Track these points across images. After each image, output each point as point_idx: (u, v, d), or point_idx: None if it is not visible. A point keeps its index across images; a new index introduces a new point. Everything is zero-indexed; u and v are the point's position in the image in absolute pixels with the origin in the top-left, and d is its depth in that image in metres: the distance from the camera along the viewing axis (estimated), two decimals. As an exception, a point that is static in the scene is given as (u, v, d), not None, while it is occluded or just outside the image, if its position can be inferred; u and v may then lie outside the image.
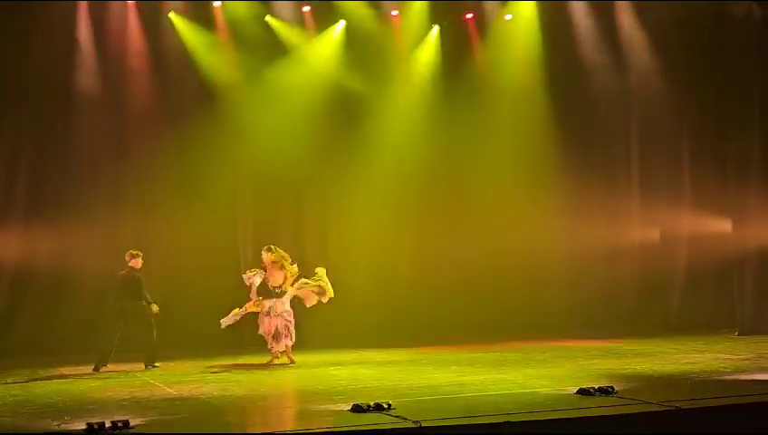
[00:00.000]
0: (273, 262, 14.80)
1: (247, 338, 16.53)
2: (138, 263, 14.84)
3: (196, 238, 17.44)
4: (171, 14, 17.97)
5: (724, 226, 18.70)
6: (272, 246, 14.98)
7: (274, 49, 18.69)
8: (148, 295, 14.76)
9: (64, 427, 9.62)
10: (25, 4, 16.73)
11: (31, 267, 17.18)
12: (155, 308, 14.63)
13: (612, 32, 19.60)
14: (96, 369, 14.33)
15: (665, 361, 13.97)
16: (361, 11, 18.81)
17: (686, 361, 13.87)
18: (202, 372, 13.99)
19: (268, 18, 18.55)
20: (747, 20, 18.08)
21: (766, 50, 18.04)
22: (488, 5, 19.42)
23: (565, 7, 19.42)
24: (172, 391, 12.13)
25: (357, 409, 9.89)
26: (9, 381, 13.49)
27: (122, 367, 14.63)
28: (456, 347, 16.65)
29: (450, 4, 19.22)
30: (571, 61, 19.60)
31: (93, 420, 9.30)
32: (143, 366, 14.57)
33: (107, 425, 9.16)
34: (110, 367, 14.60)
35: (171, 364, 14.67)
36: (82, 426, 9.25)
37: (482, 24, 19.64)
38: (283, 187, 18.62)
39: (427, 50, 19.51)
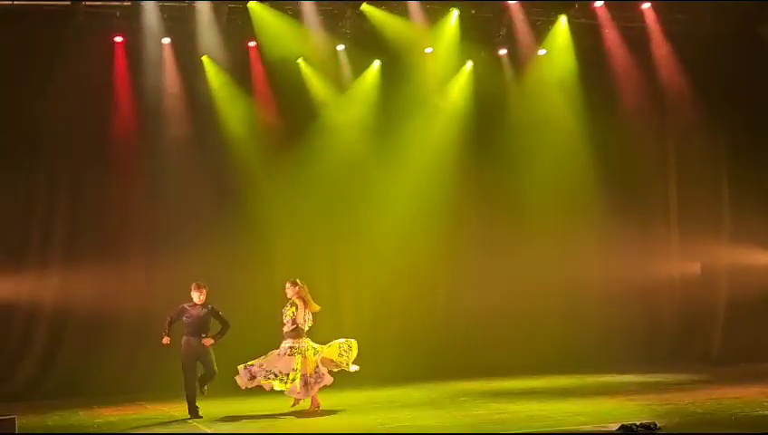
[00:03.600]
0: (301, 297, 13.80)
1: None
2: (196, 296, 13.62)
3: (231, 281, 17.39)
4: (204, 58, 18.08)
5: (765, 257, 18.47)
6: (297, 280, 13.96)
7: (308, 92, 18.74)
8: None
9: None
10: (61, 45, 16.90)
11: (69, 310, 17.33)
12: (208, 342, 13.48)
13: (647, 61, 19.50)
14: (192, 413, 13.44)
15: (708, 395, 13.76)
16: (395, 49, 18.79)
17: (729, 395, 13.65)
18: (242, 414, 13.84)
19: (300, 61, 18.64)
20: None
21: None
22: (522, 40, 19.39)
23: (599, 38, 19.35)
24: (209, 431, 12.09)
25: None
26: (49, 423, 13.53)
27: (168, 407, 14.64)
28: (493, 382, 16.54)
29: (484, 39, 19.19)
30: (606, 92, 19.54)
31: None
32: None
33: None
34: (149, 407, 14.63)
35: (213, 403, 14.39)
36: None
37: (515, 58, 19.62)
38: (318, 223, 18.66)
39: (461, 85, 19.53)
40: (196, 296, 13.63)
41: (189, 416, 13.35)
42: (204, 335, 13.52)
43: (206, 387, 13.66)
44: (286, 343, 13.61)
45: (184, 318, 13.59)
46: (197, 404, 13.50)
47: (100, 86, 17.47)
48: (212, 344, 13.56)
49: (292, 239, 18.58)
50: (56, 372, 17.19)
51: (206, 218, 18.03)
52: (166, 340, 13.59)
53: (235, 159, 18.16)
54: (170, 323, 13.66)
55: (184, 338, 13.55)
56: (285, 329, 13.70)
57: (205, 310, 13.61)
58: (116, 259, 17.45)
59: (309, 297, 13.83)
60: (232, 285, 17.00)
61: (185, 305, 13.67)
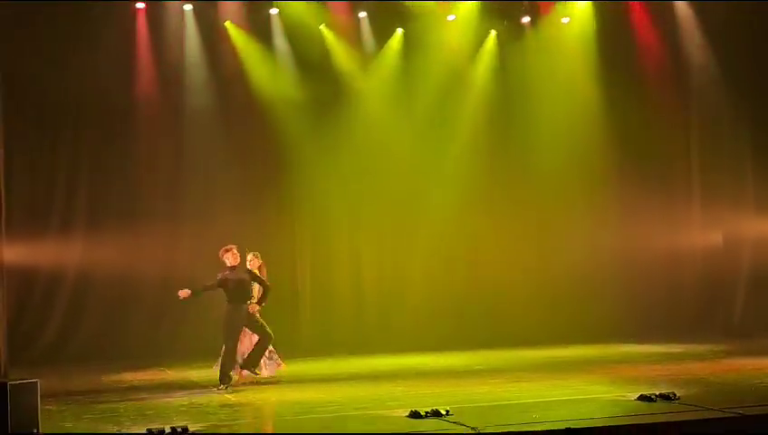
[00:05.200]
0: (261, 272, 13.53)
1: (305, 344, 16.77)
2: (229, 258, 13.04)
3: (252, 247, 17.33)
4: (227, 23, 18.04)
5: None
6: (258, 254, 13.60)
7: (330, 60, 18.66)
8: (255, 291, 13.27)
9: (125, 431, 9.72)
10: (84, 14, 16.91)
11: (92, 275, 17.44)
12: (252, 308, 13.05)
13: (672, 34, 19.35)
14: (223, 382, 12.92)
15: (728, 366, 13.73)
16: (418, 16, 18.67)
17: (750, 366, 13.62)
18: (259, 379, 13.91)
19: (323, 27, 18.55)
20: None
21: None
22: (545, 9, 19.21)
23: (623, 10, 19.16)
24: (231, 397, 12.18)
25: (414, 415, 9.86)
26: (72, 387, 13.65)
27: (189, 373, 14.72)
28: (513, 351, 16.59)
29: (506, 7, 19.05)
30: (629, 62, 19.39)
31: (153, 426, 9.39)
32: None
33: (166, 431, 9.23)
34: (170, 373, 14.71)
35: (231, 371, 14.41)
36: (142, 431, 9.34)
37: (538, 27, 19.47)
38: (340, 192, 18.63)
39: (484, 55, 19.41)
40: (230, 258, 13.02)
41: (219, 383, 12.84)
42: (249, 302, 13.09)
43: (258, 368, 13.16)
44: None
45: (226, 287, 12.99)
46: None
47: (122, 53, 17.47)
48: (258, 311, 13.16)
49: (314, 208, 18.57)
50: (79, 336, 17.33)
51: (229, 186, 18.05)
52: (184, 293, 12.77)
53: (258, 127, 18.13)
54: (205, 289, 13.05)
55: (228, 306, 13.01)
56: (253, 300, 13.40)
57: (244, 274, 13.10)
58: (139, 225, 17.48)
59: (264, 275, 13.50)
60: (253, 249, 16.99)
61: (225, 275, 13.01)
